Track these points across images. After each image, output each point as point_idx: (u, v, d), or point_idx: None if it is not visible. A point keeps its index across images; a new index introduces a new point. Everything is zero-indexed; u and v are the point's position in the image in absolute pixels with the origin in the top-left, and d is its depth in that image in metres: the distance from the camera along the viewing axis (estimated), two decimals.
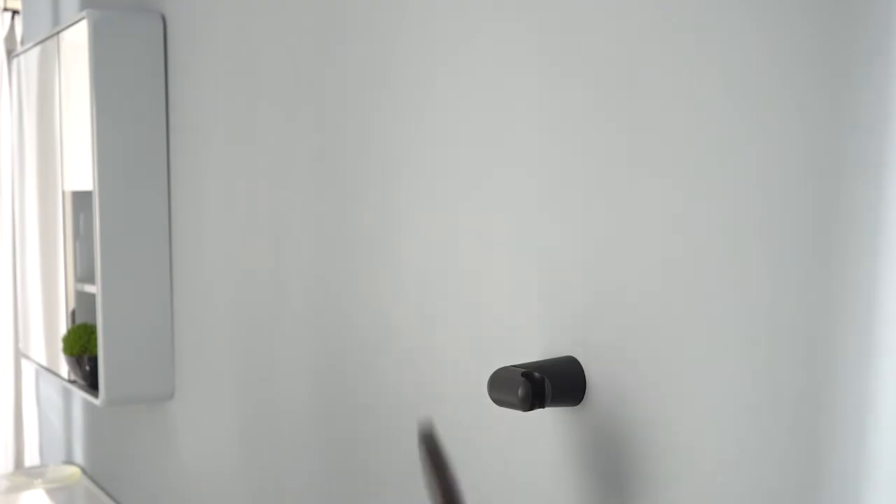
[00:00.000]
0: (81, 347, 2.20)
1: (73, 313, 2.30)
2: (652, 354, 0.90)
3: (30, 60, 2.49)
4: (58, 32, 2.22)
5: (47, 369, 2.46)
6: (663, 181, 0.88)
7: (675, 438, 0.88)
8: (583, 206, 0.97)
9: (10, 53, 4.02)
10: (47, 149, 2.37)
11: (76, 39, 2.10)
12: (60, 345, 2.27)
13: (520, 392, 0.95)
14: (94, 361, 2.19)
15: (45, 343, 2.48)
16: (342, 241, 1.41)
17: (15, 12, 4.06)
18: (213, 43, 1.83)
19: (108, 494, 2.49)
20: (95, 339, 2.17)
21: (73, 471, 2.68)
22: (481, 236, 1.11)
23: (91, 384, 2.21)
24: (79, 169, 2.15)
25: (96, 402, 2.12)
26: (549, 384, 0.96)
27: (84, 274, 2.28)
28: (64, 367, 2.29)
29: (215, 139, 1.84)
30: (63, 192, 2.27)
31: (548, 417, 1.01)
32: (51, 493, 2.55)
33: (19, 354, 3.79)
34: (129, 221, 2.06)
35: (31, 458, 3.92)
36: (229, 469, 1.85)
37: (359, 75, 1.35)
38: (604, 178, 0.95)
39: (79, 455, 2.79)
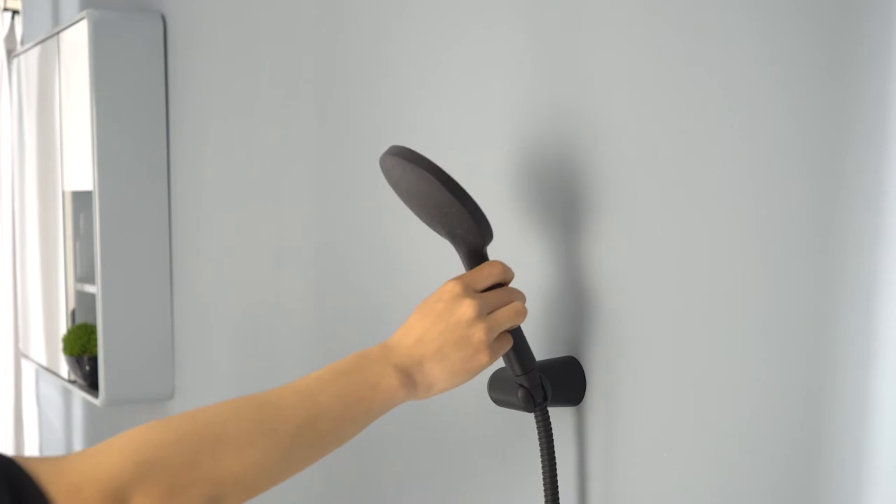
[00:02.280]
0: (81, 347, 2.20)
1: (73, 313, 2.29)
2: (652, 354, 0.90)
3: (30, 60, 2.49)
4: (58, 32, 2.22)
5: (47, 369, 2.46)
6: (663, 182, 0.88)
7: (675, 438, 0.88)
8: (581, 208, 0.97)
9: (10, 53, 4.02)
10: (47, 149, 2.37)
11: (76, 39, 2.10)
12: (60, 345, 2.26)
13: (519, 392, 0.95)
14: (94, 361, 2.19)
15: (45, 343, 2.48)
16: (343, 241, 1.41)
17: (15, 12, 4.06)
18: (213, 43, 1.83)
19: None
20: (95, 339, 2.17)
21: None
22: None
23: (91, 384, 2.21)
24: (79, 169, 2.15)
25: (96, 402, 2.12)
26: (548, 384, 0.96)
27: (84, 274, 2.28)
28: (64, 367, 2.29)
29: (215, 139, 1.84)
30: (63, 192, 2.27)
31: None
32: None
33: (19, 354, 3.79)
34: (129, 221, 2.06)
35: None
36: None
37: (360, 75, 1.35)
38: (598, 177, 0.95)
39: None
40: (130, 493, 0.76)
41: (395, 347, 0.89)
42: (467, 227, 0.90)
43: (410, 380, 0.88)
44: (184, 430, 0.81)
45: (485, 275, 0.91)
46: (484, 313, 0.88)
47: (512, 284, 1.07)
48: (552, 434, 0.96)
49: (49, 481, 0.73)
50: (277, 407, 0.84)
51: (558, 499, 0.96)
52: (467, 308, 0.87)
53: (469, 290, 0.89)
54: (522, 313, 0.91)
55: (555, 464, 0.96)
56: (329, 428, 0.86)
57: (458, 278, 0.90)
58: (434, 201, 0.89)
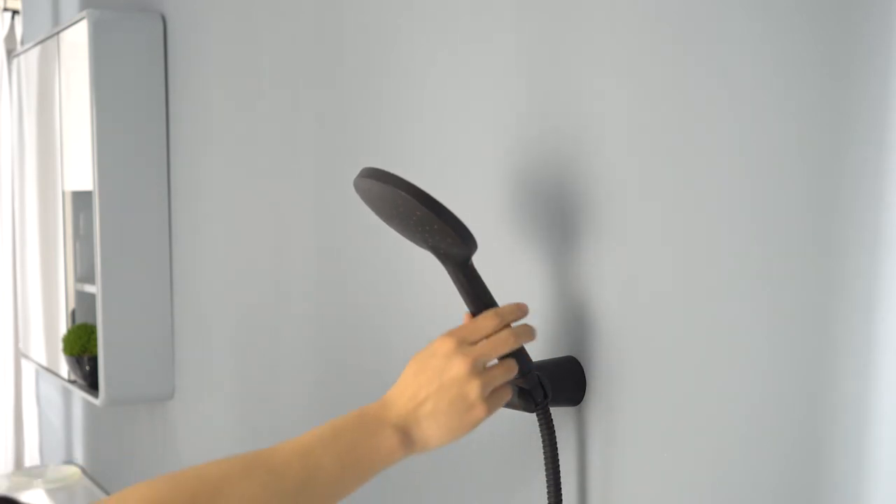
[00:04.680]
0: (81, 347, 2.20)
1: (73, 313, 2.30)
2: (652, 354, 0.90)
3: (30, 60, 2.49)
4: (58, 32, 2.22)
5: (47, 369, 2.46)
6: (662, 183, 0.88)
7: (675, 438, 0.88)
8: (581, 209, 0.97)
9: (10, 53, 4.02)
10: (47, 149, 2.37)
11: (76, 39, 2.10)
12: (60, 345, 2.27)
13: (519, 393, 0.95)
14: (94, 361, 2.19)
15: (45, 343, 2.48)
16: (344, 241, 1.41)
17: (15, 12, 4.06)
18: (213, 43, 1.83)
19: (109, 494, 2.49)
20: (95, 339, 2.17)
21: (73, 471, 2.68)
22: (484, 238, 1.11)
23: (91, 384, 2.21)
24: (79, 169, 2.15)
25: (96, 402, 2.12)
26: (548, 383, 0.96)
27: (84, 274, 2.28)
28: (64, 367, 2.29)
29: (215, 139, 1.84)
30: (63, 192, 2.27)
31: None
32: (51, 493, 2.55)
33: (19, 354, 3.79)
34: (129, 221, 2.06)
35: (31, 458, 3.92)
36: None
37: (361, 74, 1.35)
38: (598, 179, 0.95)
39: (79, 455, 2.79)
40: None
41: (391, 405, 0.90)
42: (450, 241, 0.90)
43: (408, 438, 0.89)
44: (181, 489, 0.80)
45: (479, 328, 0.90)
46: (478, 368, 0.88)
47: (510, 287, 1.07)
48: (555, 433, 0.96)
49: None
50: (279, 467, 0.85)
51: (561, 498, 0.96)
52: (460, 366, 0.87)
53: (463, 346, 0.88)
54: (514, 370, 0.91)
55: (558, 463, 0.96)
56: (329, 488, 0.87)
57: (451, 333, 0.90)
58: (414, 219, 0.89)
